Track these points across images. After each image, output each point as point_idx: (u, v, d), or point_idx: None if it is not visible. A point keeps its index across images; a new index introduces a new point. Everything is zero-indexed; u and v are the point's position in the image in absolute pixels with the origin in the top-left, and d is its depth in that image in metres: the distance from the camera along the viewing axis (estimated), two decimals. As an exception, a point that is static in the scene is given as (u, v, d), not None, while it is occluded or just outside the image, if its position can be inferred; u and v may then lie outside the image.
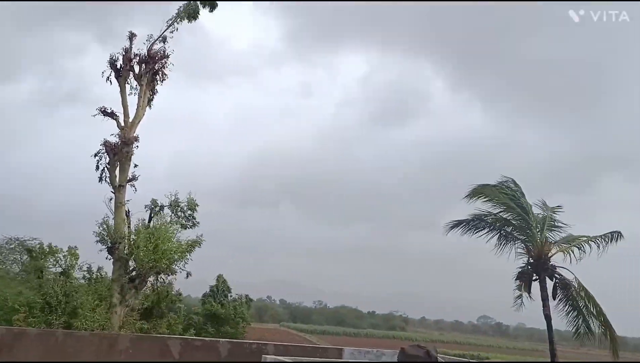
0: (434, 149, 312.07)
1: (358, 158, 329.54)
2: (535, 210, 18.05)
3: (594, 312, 16.59)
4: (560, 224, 17.95)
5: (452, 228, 18.10)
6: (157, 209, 21.62)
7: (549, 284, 17.11)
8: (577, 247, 17.01)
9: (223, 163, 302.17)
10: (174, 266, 18.23)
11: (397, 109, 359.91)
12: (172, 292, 25.64)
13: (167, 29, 20.63)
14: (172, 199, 22.03)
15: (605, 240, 17.07)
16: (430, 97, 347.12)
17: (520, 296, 16.63)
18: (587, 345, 16.92)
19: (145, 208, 21.24)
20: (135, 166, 19.21)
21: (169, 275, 18.55)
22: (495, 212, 17.84)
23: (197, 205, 22.22)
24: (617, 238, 17.06)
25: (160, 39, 20.39)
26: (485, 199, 17.87)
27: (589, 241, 17.10)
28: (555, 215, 18.02)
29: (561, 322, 17.38)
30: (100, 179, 18.74)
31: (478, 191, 17.83)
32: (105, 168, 18.84)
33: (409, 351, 15.96)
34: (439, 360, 16.30)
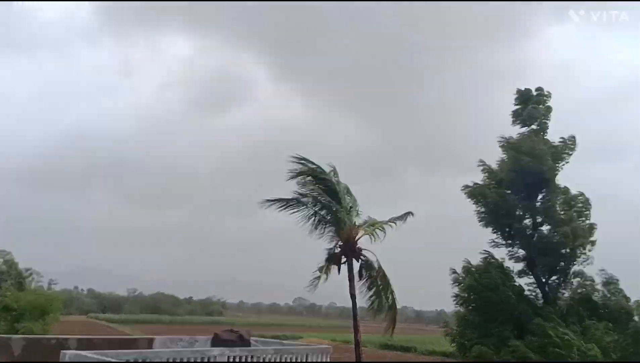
0: (255, 137, 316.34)
1: (178, 141, 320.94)
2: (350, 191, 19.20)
3: (388, 290, 18.22)
4: (365, 209, 19.34)
5: (270, 203, 18.25)
6: None
7: (356, 265, 18.37)
8: (379, 229, 18.51)
9: (24, 143, 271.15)
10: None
11: (220, 95, 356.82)
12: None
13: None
14: None
15: (400, 220, 18.94)
16: (253, 86, 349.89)
17: (318, 277, 17.50)
18: (379, 319, 18.57)
19: None
20: None
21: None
22: (312, 195, 18.44)
23: None
24: (408, 216, 18.98)
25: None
26: (304, 182, 18.37)
27: (388, 224, 18.76)
28: (359, 201, 19.40)
29: (366, 300, 18.85)
30: None
31: (300, 172, 18.21)
32: None
33: (222, 336, 16.01)
34: (251, 343, 16.60)
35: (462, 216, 22.41)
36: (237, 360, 13.99)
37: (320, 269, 17.63)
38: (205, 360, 12.62)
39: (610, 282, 21.18)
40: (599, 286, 21.33)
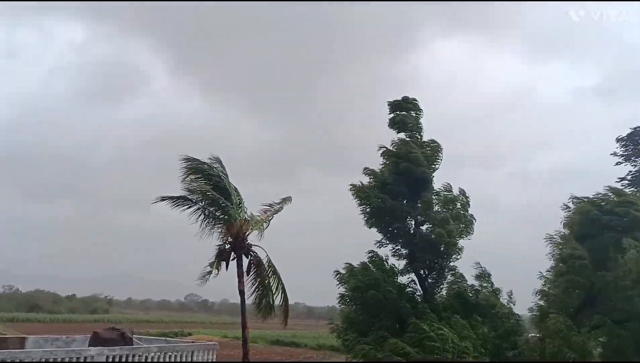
0: (151, 130, 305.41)
1: (68, 130, 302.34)
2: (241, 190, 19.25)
3: (278, 286, 18.50)
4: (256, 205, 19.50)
5: (159, 201, 17.88)
6: None
7: (245, 262, 18.43)
8: (266, 222, 18.79)
9: None
10: None
11: (114, 84, 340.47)
12: None
13: None
14: None
15: (280, 206, 19.32)
16: (150, 79, 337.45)
17: (210, 272, 17.42)
18: (267, 316, 18.76)
19: None
20: None
21: None
22: (201, 191, 18.22)
23: None
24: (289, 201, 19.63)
25: None
26: (195, 177, 18.15)
27: (272, 214, 19.07)
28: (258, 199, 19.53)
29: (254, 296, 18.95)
30: None
31: (190, 168, 17.99)
32: None
33: (102, 335, 15.48)
34: (134, 341, 16.20)
35: (354, 216, 23.18)
36: (117, 359, 13.63)
37: (211, 264, 17.56)
38: (82, 360, 12.19)
39: (481, 276, 22.81)
40: (473, 281, 22.89)
